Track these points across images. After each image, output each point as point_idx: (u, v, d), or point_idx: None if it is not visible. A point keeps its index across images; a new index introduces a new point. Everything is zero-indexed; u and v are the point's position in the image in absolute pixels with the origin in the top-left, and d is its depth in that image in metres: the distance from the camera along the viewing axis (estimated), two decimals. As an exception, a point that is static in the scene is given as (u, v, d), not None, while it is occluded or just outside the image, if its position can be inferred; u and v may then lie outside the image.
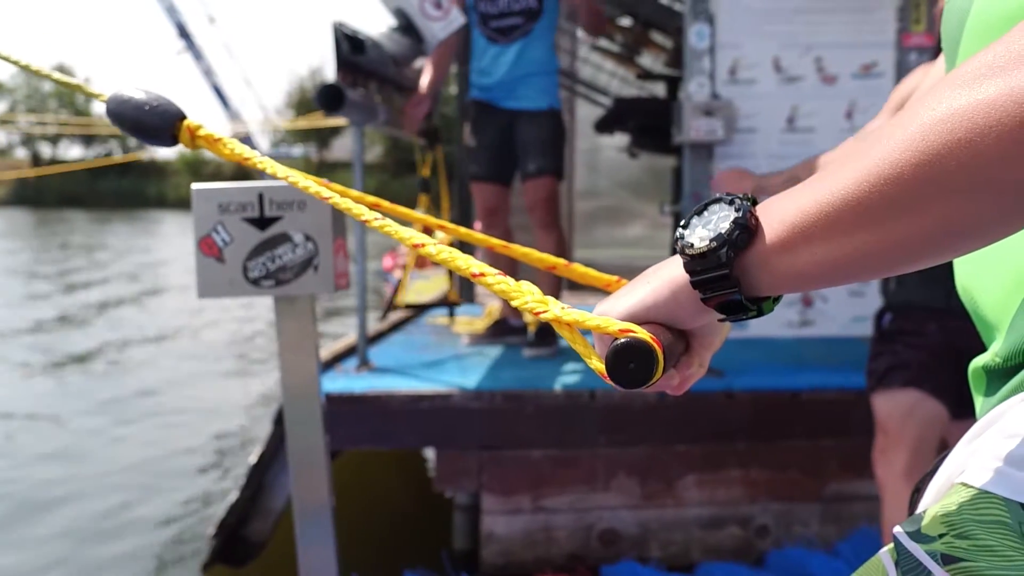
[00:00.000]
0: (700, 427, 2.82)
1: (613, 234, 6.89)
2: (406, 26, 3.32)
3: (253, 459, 2.91)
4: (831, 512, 2.87)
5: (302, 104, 51.39)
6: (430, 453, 3.66)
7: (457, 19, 3.24)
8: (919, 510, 0.57)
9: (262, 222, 1.10)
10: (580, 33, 5.10)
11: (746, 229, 0.50)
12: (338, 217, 1.12)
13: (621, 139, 4.37)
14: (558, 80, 3.39)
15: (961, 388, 1.97)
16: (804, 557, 2.78)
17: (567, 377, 2.92)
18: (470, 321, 4.29)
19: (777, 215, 0.49)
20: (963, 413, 2.11)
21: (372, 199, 0.92)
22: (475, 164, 3.49)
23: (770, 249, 0.49)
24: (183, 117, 0.90)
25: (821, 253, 0.47)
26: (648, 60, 4.55)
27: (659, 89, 4.24)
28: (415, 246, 0.64)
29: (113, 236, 24.93)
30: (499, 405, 2.74)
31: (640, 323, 0.55)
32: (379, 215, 0.66)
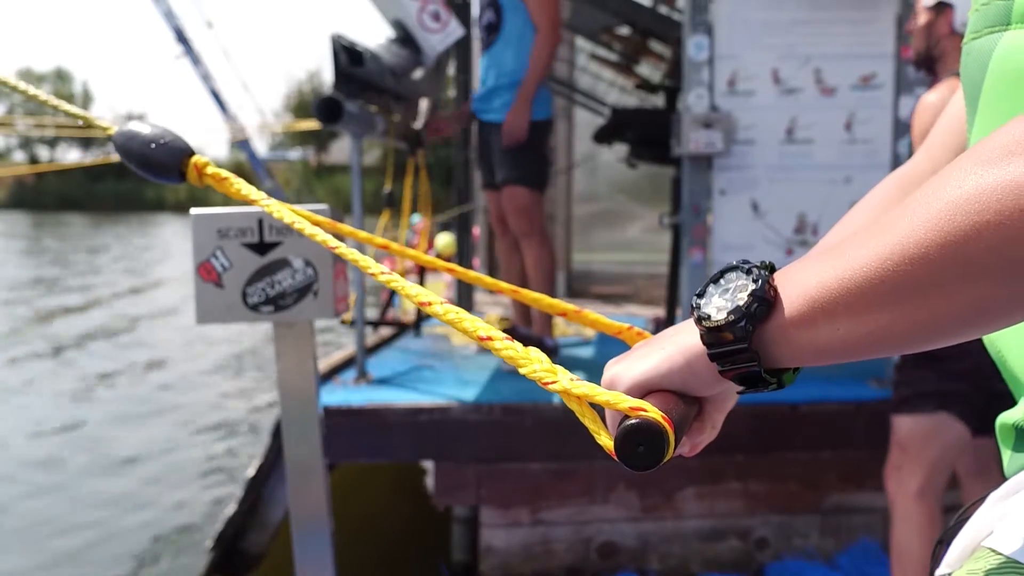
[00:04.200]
0: (699, 439, 2.81)
1: (611, 238, 6.90)
2: (404, 38, 3.32)
3: (251, 472, 2.90)
4: (830, 524, 2.87)
5: (300, 107, 51.38)
6: (428, 465, 3.66)
7: (455, 31, 3.24)
8: (942, 568, 0.57)
9: (262, 247, 1.10)
10: (578, 41, 5.10)
11: (764, 302, 0.49)
12: (338, 242, 1.12)
13: (619, 147, 4.38)
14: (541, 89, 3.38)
15: (985, 409, 1.95)
16: (803, 569, 2.78)
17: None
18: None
19: (798, 288, 0.48)
20: (983, 430, 2.07)
21: (382, 241, 0.91)
22: (480, 172, 3.64)
23: (790, 323, 0.48)
24: (191, 154, 0.89)
25: (844, 331, 0.46)
26: (647, 69, 4.55)
27: (657, 99, 4.25)
28: (422, 304, 0.63)
29: (112, 239, 24.90)
30: (498, 418, 2.74)
31: (653, 391, 0.54)
32: (387, 270, 0.65)
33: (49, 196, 48.84)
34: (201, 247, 1.10)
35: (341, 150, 45.01)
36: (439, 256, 9.33)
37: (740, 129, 3.08)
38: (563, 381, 0.55)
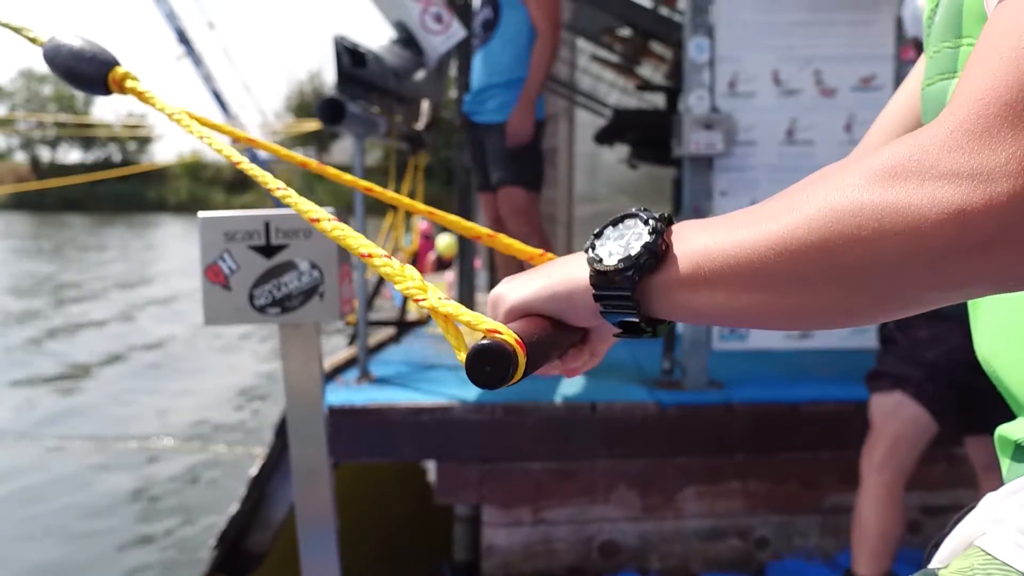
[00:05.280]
0: (700, 439, 2.83)
1: (613, 239, 6.89)
2: (407, 39, 3.33)
3: (254, 471, 2.92)
4: (830, 524, 2.88)
5: (301, 108, 51.38)
6: (429, 464, 3.67)
7: (458, 32, 3.26)
8: (933, 563, 0.58)
9: (268, 250, 1.11)
10: (579, 43, 5.11)
11: (654, 255, 0.51)
12: (343, 245, 1.13)
13: (620, 147, 4.39)
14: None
15: (943, 399, 2.15)
16: (803, 569, 2.79)
17: (568, 389, 2.93)
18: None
19: (688, 250, 0.50)
20: (960, 428, 2.24)
21: (365, 184, 0.93)
22: (474, 175, 3.62)
23: (673, 282, 0.50)
24: (116, 65, 0.89)
25: (720, 300, 0.48)
26: (648, 70, 4.56)
27: (658, 100, 4.26)
28: (312, 220, 0.63)
29: (113, 240, 24.90)
30: (500, 418, 2.75)
31: (531, 314, 0.56)
32: (332, 217, 0.64)
33: (50, 196, 48.82)
34: (209, 249, 1.11)
35: (342, 151, 45.00)
36: (440, 258, 9.35)
37: (741, 130, 3.09)
38: (432, 299, 0.56)
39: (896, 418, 2.20)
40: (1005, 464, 0.60)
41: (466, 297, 4.82)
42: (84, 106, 53.67)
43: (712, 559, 2.83)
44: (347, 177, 0.97)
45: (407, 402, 2.75)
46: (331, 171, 0.98)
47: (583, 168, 6.51)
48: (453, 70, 4.44)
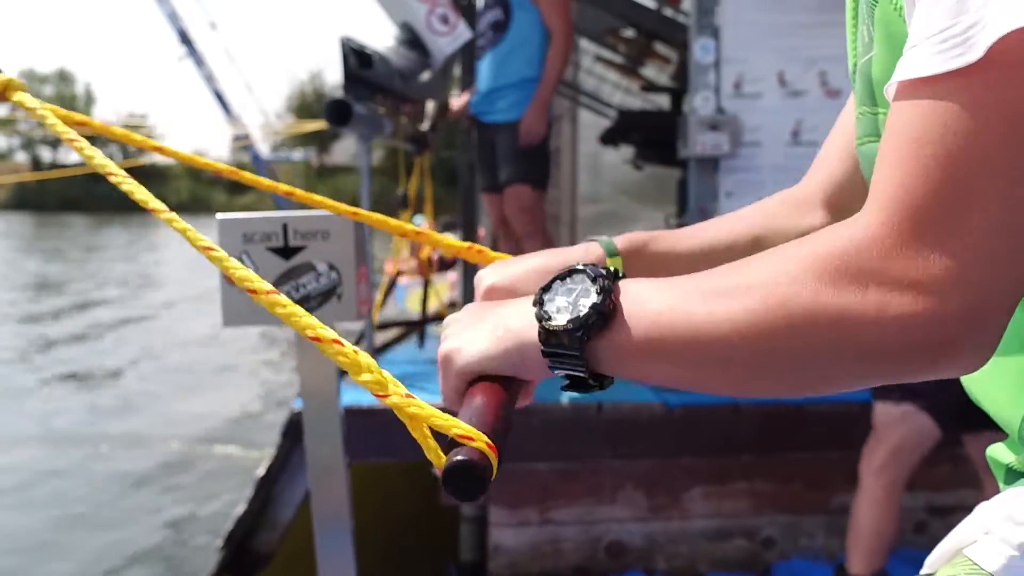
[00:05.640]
0: (706, 440, 2.83)
1: (616, 239, 6.89)
2: (412, 40, 3.34)
3: (261, 471, 2.92)
4: (837, 524, 2.88)
5: (302, 108, 51.40)
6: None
7: (464, 34, 3.27)
8: (925, 568, 0.59)
9: (286, 251, 1.12)
10: (583, 44, 5.12)
11: (603, 317, 0.51)
12: (361, 246, 1.14)
13: (623, 148, 4.39)
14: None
15: (953, 410, 2.15)
16: (810, 569, 2.80)
17: (574, 390, 2.94)
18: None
19: (636, 314, 0.51)
20: (960, 428, 2.26)
21: (286, 188, 0.97)
22: (480, 176, 3.61)
23: (621, 345, 0.51)
24: None
25: (666, 370, 0.51)
26: (651, 71, 4.57)
27: (661, 100, 4.27)
28: (155, 211, 0.65)
29: (115, 240, 24.92)
30: (506, 418, 2.75)
31: (485, 373, 0.56)
32: (165, 208, 0.64)
33: (51, 197, 48.89)
34: (227, 251, 1.11)
35: (343, 151, 44.99)
36: (442, 259, 9.33)
37: (746, 131, 3.10)
38: (393, 397, 0.54)
39: (902, 425, 2.21)
40: (999, 481, 0.61)
41: (470, 296, 4.83)
42: (85, 106, 53.70)
43: (719, 559, 2.83)
44: (258, 180, 1.00)
45: (414, 402, 2.75)
46: (245, 175, 1.02)
47: (586, 168, 6.52)
48: (457, 70, 4.44)
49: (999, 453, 0.60)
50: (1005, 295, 0.43)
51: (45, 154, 57.53)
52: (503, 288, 0.75)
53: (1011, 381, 0.57)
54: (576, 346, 0.51)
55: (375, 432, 2.74)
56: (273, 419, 5.09)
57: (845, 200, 0.77)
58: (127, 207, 47.97)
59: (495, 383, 0.57)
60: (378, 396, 0.54)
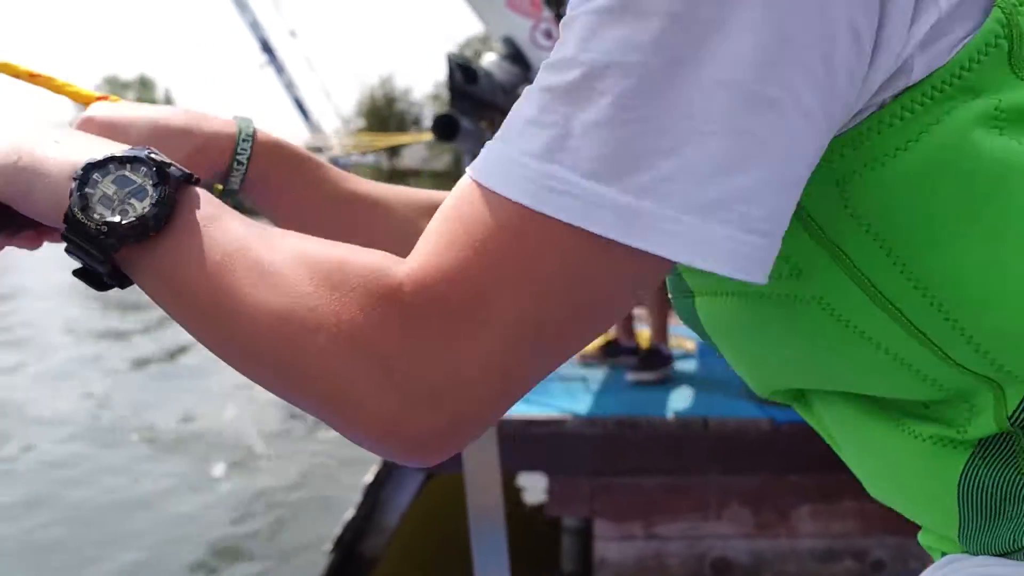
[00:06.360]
0: (814, 457, 2.79)
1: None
2: (514, 54, 3.39)
3: (369, 477, 3.00)
4: (949, 547, 2.82)
5: (372, 112, 52.27)
6: (524, 481, 3.71)
7: (567, 48, 3.30)
8: None
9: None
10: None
11: (146, 233, 0.44)
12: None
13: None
14: None
15: None
16: (921, 593, 2.73)
17: (678, 403, 2.94)
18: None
19: (184, 243, 0.44)
20: None
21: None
22: None
23: (148, 264, 0.45)
24: None
25: (173, 310, 0.45)
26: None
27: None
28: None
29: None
30: (611, 431, 2.77)
31: None
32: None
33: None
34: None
35: (413, 155, 45.86)
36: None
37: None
38: None
39: None
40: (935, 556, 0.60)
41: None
42: (86, 106, 55.59)
43: (826, 579, 2.80)
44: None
45: (519, 415, 2.78)
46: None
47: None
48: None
49: (932, 541, 0.61)
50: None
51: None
52: (101, 122, 0.65)
53: (932, 507, 0.56)
54: (101, 251, 0.44)
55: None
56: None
57: None
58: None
59: None
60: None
